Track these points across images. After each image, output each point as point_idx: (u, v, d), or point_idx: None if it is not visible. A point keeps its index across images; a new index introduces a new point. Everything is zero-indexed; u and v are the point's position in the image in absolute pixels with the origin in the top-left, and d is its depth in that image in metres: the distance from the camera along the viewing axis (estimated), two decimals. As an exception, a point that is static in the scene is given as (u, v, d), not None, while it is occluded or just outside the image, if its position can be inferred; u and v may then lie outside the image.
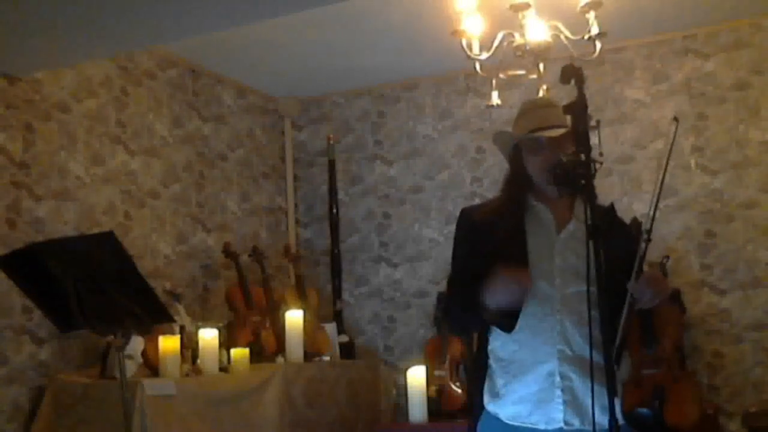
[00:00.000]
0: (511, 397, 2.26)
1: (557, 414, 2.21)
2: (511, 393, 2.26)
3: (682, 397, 3.82)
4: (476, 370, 2.40)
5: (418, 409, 4.46)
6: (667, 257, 4.32)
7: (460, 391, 4.63)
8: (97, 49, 3.89)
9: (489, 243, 2.29)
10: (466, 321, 2.42)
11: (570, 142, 2.22)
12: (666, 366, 3.90)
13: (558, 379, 2.21)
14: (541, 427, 2.23)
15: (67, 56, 3.88)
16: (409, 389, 4.52)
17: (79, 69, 4.23)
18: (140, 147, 4.58)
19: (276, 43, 4.78)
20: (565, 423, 2.20)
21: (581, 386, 2.19)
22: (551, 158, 2.27)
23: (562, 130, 2.27)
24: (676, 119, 2.17)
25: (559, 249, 2.28)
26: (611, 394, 1.94)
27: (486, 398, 2.33)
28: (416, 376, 4.50)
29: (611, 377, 1.94)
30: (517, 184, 2.38)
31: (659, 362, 3.90)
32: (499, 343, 2.31)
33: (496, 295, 2.14)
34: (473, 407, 2.40)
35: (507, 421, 2.27)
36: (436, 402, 4.56)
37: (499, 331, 2.29)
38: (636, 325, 3.07)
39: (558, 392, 2.21)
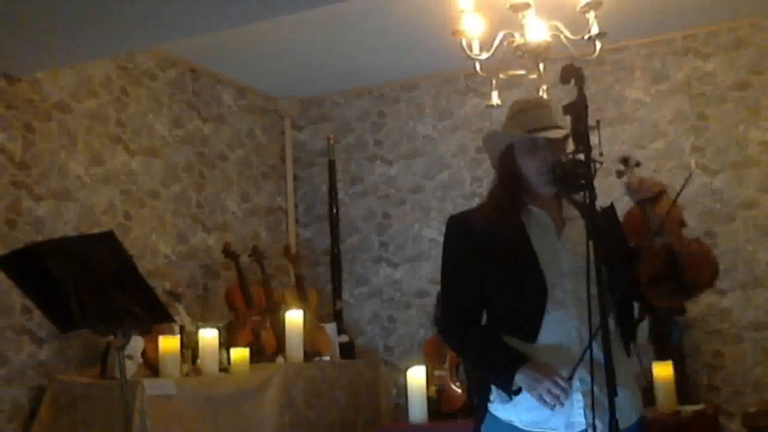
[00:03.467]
0: (527, 404, 2.20)
1: (578, 418, 2.18)
2: (528, 399, 2.19)
3: (696, 253, 3.34)
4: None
5: (418, 409, 4.46)
6: (667, 257, 4.31)
7: (460, 391, 4.62)
8: (97, 49, 3.90)
9: (491, 251, 2.26)
10: (458, 351, 2.50)
11: (565, 144, 2.23)
12: (674, 234, 3.45)
13: (578, 383, 2.17)
14: None
15: (67, 56, 3.88)
16: (409, 389, 4.52)
17: (79, 69, 4.23)
18: (140, 147, 4.58)
19: (276, 43, 4.78)
20: (590, 426, 2.14)
21: (599, 386, 2.12)
22: (548, 159, 2.25)
23: (560, 132, 2.26)
24: (690, 174, 2.19)
25: (564, 253, 2.25)
26: (611, 393, 1.94)
27: (495, 404, 2.28)
28: (416, 376, 4.49)
29: (611, 376, 1.94)
30: (512, 186, 2.33)
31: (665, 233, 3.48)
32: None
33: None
34: (477, 409, 2.36)
35: (524, 428, 2.22)
36: (436, 402, 4.55)
37: (511, 336, 2.26)
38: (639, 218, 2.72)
39: (579, 396, 2.17)
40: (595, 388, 2.13)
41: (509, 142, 2.35)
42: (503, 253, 2.25)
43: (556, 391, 2.11)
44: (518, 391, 2.19)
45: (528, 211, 2.31)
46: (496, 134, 2.42)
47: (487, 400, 2.30)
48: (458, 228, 2.38)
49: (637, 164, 2.38)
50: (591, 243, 1.98)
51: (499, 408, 2.27)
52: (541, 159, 2.27)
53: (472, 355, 2.40)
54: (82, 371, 3.89)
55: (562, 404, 2.12)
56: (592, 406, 2.05)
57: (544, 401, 2.13)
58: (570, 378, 2.12)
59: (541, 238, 2.28)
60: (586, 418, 2.16)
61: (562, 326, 2.21)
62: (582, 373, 2.15)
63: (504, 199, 2.33)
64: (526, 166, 2.31)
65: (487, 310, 2.33)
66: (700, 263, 2.32)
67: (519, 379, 2.18)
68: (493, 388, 2.29)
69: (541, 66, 3.80)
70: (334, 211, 5.35)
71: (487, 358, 2.29)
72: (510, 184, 2.33)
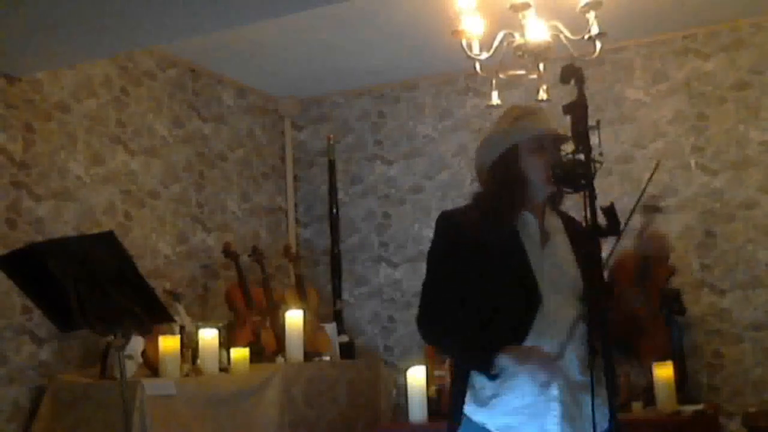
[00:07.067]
0: (502, 408, 2.22)
1: (552, 426, 2.18)
2: (503, 404, 2.22)
3: (656, 332, 3.46)
4: (458, 377, 2.35)
5: (418, 409, 4.45)
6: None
7: (460, 391, 4.61)
8: (97, 49, 3.90)
9: (483, 254, 2.26)
10: (437, 340, 2.42)
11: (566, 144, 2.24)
12: (648, 301, 3.52)
13: (555, 392, 2.18)
14: None
15: (67, 56, 3.88)
16: (409, 389, 4.51)
17: (79, 69, 4.23)
18: (140, 147, 4.58)
19: (276, 43, 4.78)
20: None
21: (572, 399, 2.19)
22: (551, 159, 2.27)
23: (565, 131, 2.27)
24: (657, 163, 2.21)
25: (546, 264, 2.28)
26: (611, 394, 1.95)
27: (470, 407, 2.28)
28: (416, 376, 4.49)
29: (611, 384, 1.94)
30: (513, 188, 2.33)
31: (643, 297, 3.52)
32: None
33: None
34: (454, 413, 2.33)
35: None
36: (436, 402, 4.55)
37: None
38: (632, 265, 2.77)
39: (554, 405, 2.18)
40: (569, 399, 2.17)
41: (517, 141, 2.35)
42: (496, 257, 2.25)
43: (546, 370, 2.11)
44: (497, 375, 2.18)
45: (520, 217, 2.32)
46: (501, 134, 2.40)
47: (463, 402, 2.29)
48: (450, 226, 2.37)
49: (658, 209, 2.28)
50: (594, 242, 1.99)
51: (474, 411, 2.26)
52: (546, 158, 2.29)
53: (452, 340, 2.34)
54: (82, 371, 3.89)
55: (549, 384, 2.13)
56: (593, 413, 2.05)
57: (537, 378, 2.13)
58: (558, 356, 2.13)
59: (530, 247, 2.29)
60: (560, 427, 2.17)
61: (540, 334, 2.21)
62: (561, 381, 2.17)
63: (502, 203, 2.33)
64: (530, 166, 2.32)
65: (466, 311, 2.30)
66: (654, 348, 2.33)
67: (504, 358, 2.15)
68: (470, 391, 2.28)
69: (541, 66, 3.80)
70: (334, 211, 5.35)
71: (470, 339, 2.26)
72: (512, 187, 2.33)
